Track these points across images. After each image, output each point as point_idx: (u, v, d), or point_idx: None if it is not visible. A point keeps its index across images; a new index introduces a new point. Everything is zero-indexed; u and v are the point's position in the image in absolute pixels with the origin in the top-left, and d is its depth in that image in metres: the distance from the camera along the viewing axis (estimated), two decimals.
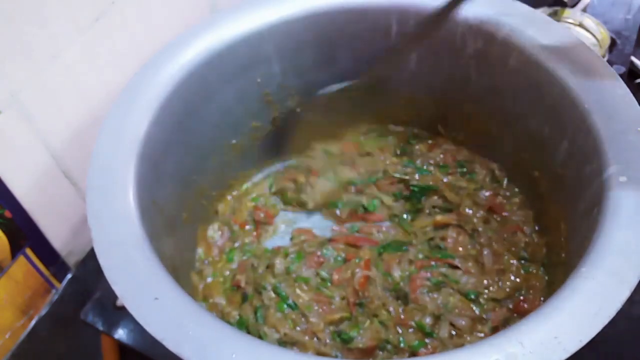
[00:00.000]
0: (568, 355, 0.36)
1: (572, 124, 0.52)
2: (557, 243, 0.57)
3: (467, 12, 0.59)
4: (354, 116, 0.73)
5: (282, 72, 0.65)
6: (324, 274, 0.62)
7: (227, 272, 0.64)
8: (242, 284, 0.61)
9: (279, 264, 0.62)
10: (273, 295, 0.60)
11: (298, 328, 0.58)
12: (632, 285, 0.39)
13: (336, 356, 0.56)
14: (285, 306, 0.59)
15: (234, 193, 0.70)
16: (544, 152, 0.58)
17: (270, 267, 0.62)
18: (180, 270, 0.55)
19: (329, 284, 0.61)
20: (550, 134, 0.57)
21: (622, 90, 0.51)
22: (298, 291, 0.60)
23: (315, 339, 0.57)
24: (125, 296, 0.41)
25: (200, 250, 0.65)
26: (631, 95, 0.50)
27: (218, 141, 0.65)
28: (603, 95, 0.50)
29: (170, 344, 0.38)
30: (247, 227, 0.68)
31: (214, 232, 0.67)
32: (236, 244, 0.66)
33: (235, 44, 0.59)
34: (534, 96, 0.57)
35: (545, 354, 0.36)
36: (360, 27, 0.63)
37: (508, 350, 0.37)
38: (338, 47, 0.65)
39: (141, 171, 0.50)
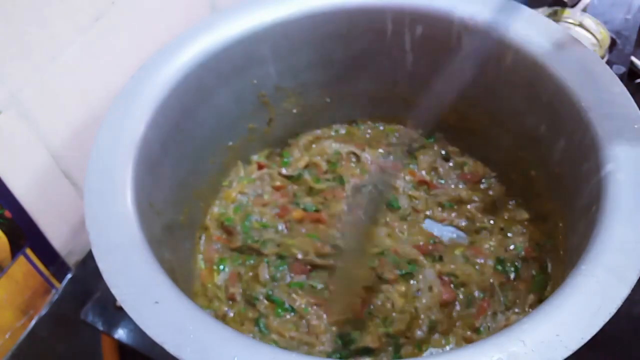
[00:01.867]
0: (570, 353, 0.36)
1: (569, 122, 0.52)
2: (556, 241, 0.57)
3: (463, 12, 0.59)
4: (350, 115, 0.74)
5: (277, 73, 0.65)
6: (317, 284, 0.61)
7: (220, 284, 0.62)
8: (238, 298, 0.60)
9: (263, 271, 0.61)
10: (267, 302, 0.59)
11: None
12: (631, 283, 0.40)
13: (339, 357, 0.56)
14: (281, 311, 0.59)
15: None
16: (541, 151, 0.59)
17: (255, 276, 0.62)
18: (179, 273, 0.55)
19: (325, 291, 0.60)
20: (547, 132, 0.57)
21: (619, 87, 0.51)
22: (294, 295, 0.60)
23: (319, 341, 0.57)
24: (125, 300, 0.41)
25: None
26: (627, 92, 0.50)
27: (214, 143, 0.65)
28: (600, 93, 0.51)
29: (171, 347, 0.38)
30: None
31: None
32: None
33: (231, 45, 0.59)
34: (530, 95, 0.58)
35: (547, 352, 0.36)
36: (355, 27, 0.63)
37: (510, 349, 0.37)
38: (334, 47, 0.65)
39: (139, 174, 0.50)
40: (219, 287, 0.62)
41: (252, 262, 0.63)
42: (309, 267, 0.62)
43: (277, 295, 0.59)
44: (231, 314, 0.60)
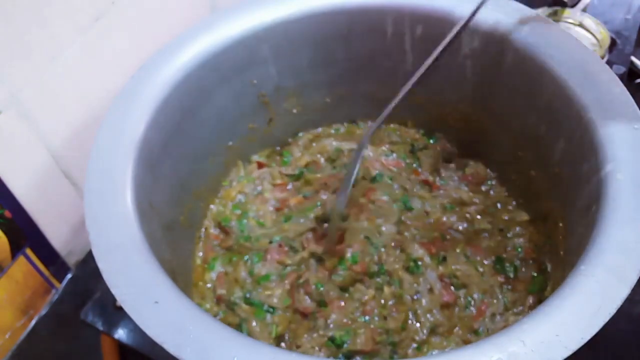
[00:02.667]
0: (569, 353, 0.36)
1: (569, 122, 0.52)
2: (556, 241, 0.57)
3: (464, 11, 0.59)
4: (350, 115, 0.74)
5: (278, 73, 0.65)
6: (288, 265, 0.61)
7: (209, 285, 0.62)
8: (223, 301, 0.60)
9: (241, 269, 0.61)
10: (246, 306, 0.59)
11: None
12: (631, 283, 0.40)
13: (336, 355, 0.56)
14: (262, 313, 0.58)
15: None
16: (541, 151, 0.58)
17: (235, 276, 0.61)
18: (179, 273, 0.55)
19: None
20: (547, 132, 0.57)
21: (619, 88, 0.51)
22: (267, 292, 0.59)
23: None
24: (125, 300, 0.41)
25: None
26: (627, 92, 0.50)
27: (215, 143, 0.65)
28: (599, 93, 0.51)
29: (171, 347, 0.38)
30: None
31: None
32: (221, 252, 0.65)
33: (231, 45, 0.59)
34: (530, 95, 0.58)
35: (546, 352, 0.36)
36: (355, 27, 0.63)
37: (510, 349, 0.37)
38: (334, 47, 0.65)
39: (139, 174, 0.50)
40: (208, 287, 0.62)
41: (235, 259, 0.63)
42: (286, 248, 0.62)
43: (255, 297, 0.59)
44: (218, 317, 0.60)
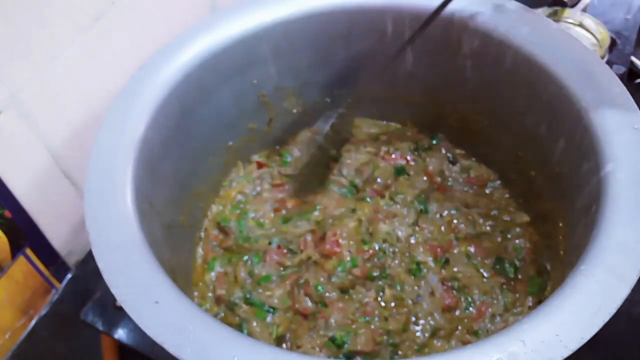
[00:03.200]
0: (569, 353, 0.36)
1: (569, 122, 0.52)
2: (556, 241, 0.57)
3: (463, 11, 0.59)
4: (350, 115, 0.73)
5: (278, 73, 0.65)
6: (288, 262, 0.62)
7: (209, 285, 0.62)
8: (223, 301, 0.60)
9: (241, 269, 0.61)
10: (246, 307, 0.59)
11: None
12: (631, 283, 0.40)
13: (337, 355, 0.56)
14: (262, 313, 0.58)
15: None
16: (541, 151, 0.59)
17: (234, 276, 0.62)
18: (179, 273, 0.55)
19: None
20: (547, 132, 0.57)
21: (619, 87, 0.51)
22: (267, 293, 0.59)
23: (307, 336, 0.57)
24: (125, 300, 0.41)
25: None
26: (627, 92, 0.50)
27: (214, 143, 0.65)
28: (599, 93, 0.51)
29: (171, 347, 0.38)
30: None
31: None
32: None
33: (231, 45, 0.59)
34: (530, 95, 0.58)
35: (546, 352, 0.36)
36: (355, 27, 0.63)
37: (510, 349, 0.37)
38: (334, 48, 0.65)
39: (139, 174, 0.50)
40: (208, 287, 0.62)
41: (234, 259, 0.63)
42: (285, 250, 0.62)
43: (255, 297, 0.59)
44: (218, 317, 0.60)
